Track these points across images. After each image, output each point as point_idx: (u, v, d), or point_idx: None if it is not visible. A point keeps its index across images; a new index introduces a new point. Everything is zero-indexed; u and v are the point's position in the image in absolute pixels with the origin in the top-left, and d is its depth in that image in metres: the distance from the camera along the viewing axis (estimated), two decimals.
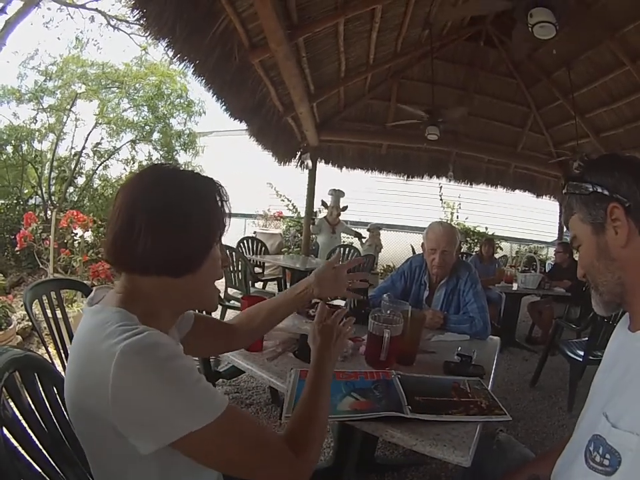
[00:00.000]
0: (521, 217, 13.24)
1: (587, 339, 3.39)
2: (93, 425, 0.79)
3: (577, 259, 5.57)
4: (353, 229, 7.68)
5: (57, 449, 1.01)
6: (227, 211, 0.93)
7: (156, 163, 1.11)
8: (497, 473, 1.29)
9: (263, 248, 6.50)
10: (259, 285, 5.98)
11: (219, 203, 0.91)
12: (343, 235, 7.30)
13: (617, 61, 5.53)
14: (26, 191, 8.00)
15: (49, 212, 6.73)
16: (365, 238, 7.83)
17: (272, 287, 6.39)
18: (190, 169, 0.99)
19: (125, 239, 0.83)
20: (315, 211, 7.54)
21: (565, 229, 8.65)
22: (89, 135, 8.62)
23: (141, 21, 3.16)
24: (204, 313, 1.30)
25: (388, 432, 1.16)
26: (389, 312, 1.65)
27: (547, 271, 6.36)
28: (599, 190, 0.92)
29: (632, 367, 0.86)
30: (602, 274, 0.95)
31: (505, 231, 11.79)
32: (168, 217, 0.83)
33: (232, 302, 4.26)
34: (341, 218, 7.02)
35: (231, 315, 4.68)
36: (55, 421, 1.03)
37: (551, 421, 3.24)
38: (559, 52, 5.30)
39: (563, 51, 5.53)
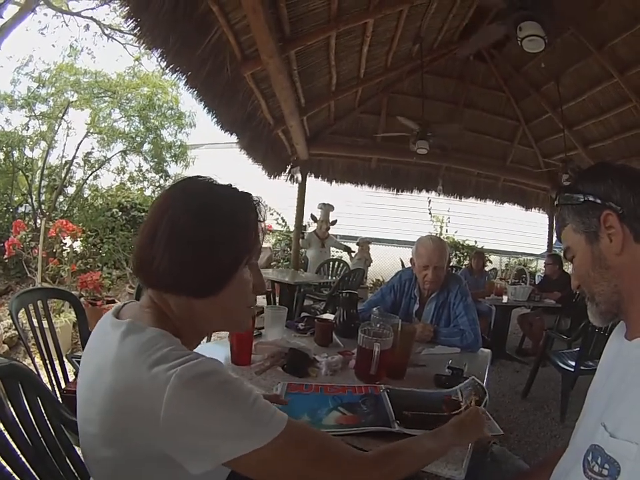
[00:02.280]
0: (510, 230, 13.32)
1: (578, 349, 3.41)
2: (128, 448, 0.76)
3: (567, 270, 5.64)
4: (343, 242, 7.72)
5: (40, 462, 0.98)
6: (261, 232, 0.89)
7: (192, 175, 1.08)
8: None
9: None
10: None
11: (252, 223, 0.87)
12: (332, 248, 7.32)
13: (605, 73, 5.62)
14: (16, 199, 7.95)
15: (38, 220, 6.67)
16: (354, 252, 7.86)
17: (261, 300, 6.35)
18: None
19: (145, 253, 0.82)
20: (304, 224, 7.53)
21: (554, 241, 8.75)
22: (80, 144, 8.61)
23: (135, 31, 3.15)
24: None
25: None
26: (378, 325, 1.64)
27: (536, 283, 6.40)
28: (591, 199, 0.92)
29: (629, 375, 0.85)
30: (598, 283, 0.94)
31: (494, 244, 11.83)
32: (189, 234, 0.80)
33: None
34: (330, 232, 7.04)
35: None
36: (38, 432, 1.01)
37: (543, 431, 3.24)
38: (547, 65, 5.39)
39: (551, 65, 5.62)
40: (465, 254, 10.72)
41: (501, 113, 7.48)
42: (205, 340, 3.49)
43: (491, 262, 8.70)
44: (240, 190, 0.90)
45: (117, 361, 0.76)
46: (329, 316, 2.34)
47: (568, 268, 5.78)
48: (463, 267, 8.09)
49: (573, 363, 3.38)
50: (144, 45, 3.35)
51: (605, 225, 0.90)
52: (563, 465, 1.01)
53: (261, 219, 0.89)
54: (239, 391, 0.75)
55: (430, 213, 10.83)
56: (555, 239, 8.99)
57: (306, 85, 5.36)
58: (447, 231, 10.83)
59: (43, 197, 7.92)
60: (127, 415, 0.73)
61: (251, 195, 0.90)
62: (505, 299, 5.22)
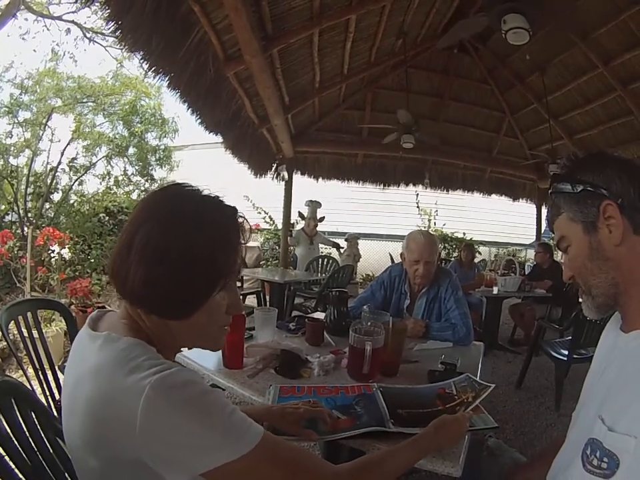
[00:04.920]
0: (499, 221, 13.42)
1: (570, 338, 3.43)
2: (110, 457, 0.74)
3: (557, 259, 5.67)
4: (331, 239, 7.72)
5: (37, 476, 0.96)
6: (242, 256, 0.85)
7: (178, 182, 1.03)
8: (488, 479, 1.29)
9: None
10: None
11: (233, 246, 0.83)
12: (321, 245, 7.32)
13: (590, 64, 5.69)
14: (2, 207, 7.84)
15: (25, 229, 6.60)
16: (343, 248, 7.88)
17: (251, 300, 6.34)
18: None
19: (119, 264, 0.80)
20: (292, 222, 7.53)
21: (542, 231, 8.81)
22: (64, 150, 8.49)
23: (116, 33, 3.11)
24: None
25: (375, 446, 1.13)
26: (369, 323, 1.63)
27: (526, 272, 6.44)
28: (590, 188, 0.90)
29: (626, 367, 0.85)
30: (595, 275, 0.92)
31: (482, 235, 11.89)
32: (164, 253, 0.77)
33: None
34: (318, 229, 7.04)
35: None
36: (34, 446, 0.99)
37: (538, 420, 3.27)
38: (532, 57, 5.41)
39: (536, 56, 5.65)
40: (454, 246, 10.80)
41: (486, 105, 7.52)
42: None
43: (480, 253, 8.76)
44: (225, 205, 0.86)
45: (95, 371, 0.75)
46: (319, 315, 2.33)
47: (558, 256, 5.83)
48: (452, 259, 8.12)
49: (566, 352, 3.41)
50: (126, 47, 3.31)
51: (605, 215, 0.88)
52: (562, 459, 1.00)
53: (243, 241, 0.85)
54: (214, 403, 0.74)
55: (418, 207, 10.87)
56: (543, 228, 9.07)
57: (290, 83, 5.35)
58: (435, 224, 10.89)
59: (29, 205, 7.82)
60: (105, 425, 0.72)
61: (236, 210, 0.86)
62: (495, 290, 5.24)
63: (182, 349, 0.98)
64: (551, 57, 6.02)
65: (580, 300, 1.00)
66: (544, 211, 8.86)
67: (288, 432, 1.14)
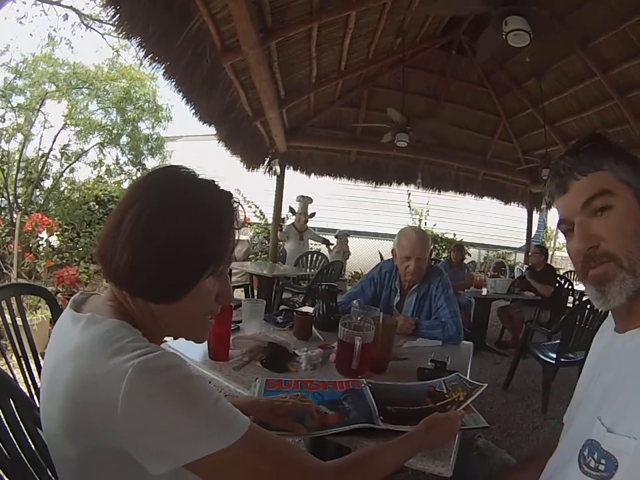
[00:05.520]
0: (489, 224, 13.47)
1: (559, 341, 3.44)
2: (89, 445, 0.71)
3: (551, 264, 5.68)
4: (321, 235, 7.70)
5: (15, 467, 0.93)
6: (234, 241, 0.83)
7: (174, 165, 1.00)
8: (478, 479, 1.27)
9: None
10: None
11: (226, 231, 0.81)
12: (310, 241, 7.30)
13: (588, 71, 5.70)
14: None
15: (14, 215, 6.50)
16: (332, 245, 7.87)
17: (239, 293, 6.32)
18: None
19: (107, 246, 0.78)
20: (282, 217, 7.51)
21: (533, 235, 8.86)
22: (56, 136, 8.42)
23: (114, 19, 3.06)
24: None
25: (363, 443, 1.11)
26: (359, 318, 1.61)
27: (515, 276, 6.48)
28: None
29: (624, 368, 0.82)
30: None
31: (473, 237, 11.96)
32: (151, 235, 0.75)
33: None
34: (308, 224, 7.02)
35: None
36: (12, 438, 0.95)
37: (525, 423, 3.28)
38: (530, 62, 5.42)
39: (534, 61, 5.64)
40: (444, 247, 10.88)
41: (481, 108, 7.53)
42: None
43: (469, 255, 8.79)
44: (220, 189, 0.83)
45: (76, 352, 0.72)
46: (308, 309, 2.30)
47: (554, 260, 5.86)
48: (442, 259, 8.15)
49: (554, 355, 3.42)
50: (122, 33, 3.26)
51: None
52: (557, 460, 0.98)
53: (237, 227, 0.83)
54: (199, 390, 0.72)
55: (409, 206, 10.90)
56: (534, 233, 9.12)
57: (286, 77, 5.32)
58: (425, 224, 10.93)
59: (19, 191, 7.73)
60: (85, 409, 0.69)
61: (231, 196, 0.84)
62: (484, 291, 5.28)
63: (166, 339, 0.96)
64: (549, 63, 6.03)
65: (596, 287, 0.86)
66: (535, 215, 8.90)
67: (276, 425, 1.12)
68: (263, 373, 1.49)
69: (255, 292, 5.76)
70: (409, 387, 1.46)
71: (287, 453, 0.79)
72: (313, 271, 6.15)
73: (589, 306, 3.31)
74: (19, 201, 7.41)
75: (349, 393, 1.35)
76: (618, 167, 0.85)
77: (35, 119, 8.33)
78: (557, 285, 5.59)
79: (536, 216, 9.09)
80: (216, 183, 0.84)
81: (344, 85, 6.56)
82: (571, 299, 5.88)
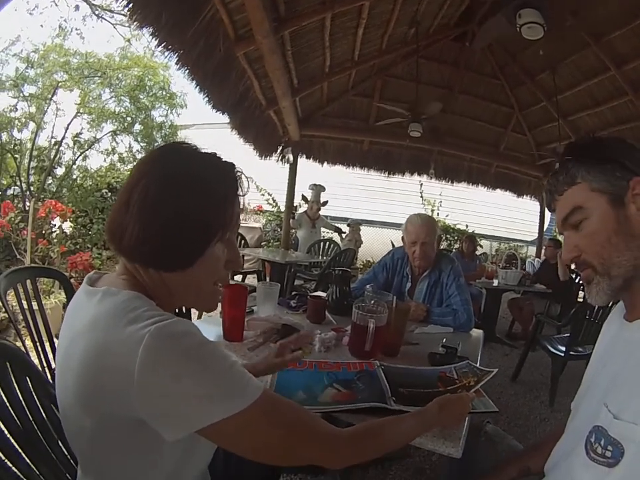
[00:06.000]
0: (501, 216, 13.35)
1: (568, 335, 3.43)
2: (104, 413, 0.73)
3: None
4: (333, 224, 7.69)
5: (30, 443, 0.95)
6: (240, 206, 0.86)
7: (175, 142, 1.06)
8: (485, 464, 1.28)
9: (243, 241, 6.45)
10: (238, 277, 5.93)
11: (230, 197, 0.83)
12: (322, 229, 7.30)
13: (602, 66, 5.62)
14: (4, 181, 7.82)
15: (27, 202, 6.58)
16: (344, 233, 7.83)
17: (251, 279, 6.37)
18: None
19: (118, 221, 0.80)
20: (295, 205, 7.54)
21: (545, 228, 8.78)
22: (69, 124, 8.45)
23: (126, 9, 3.06)
24: None
25: None
26: (373, 302, 1.63)
27: (527, 269, 6.45)
28: (621, 160, 0.87)
29: (632, 357, 0.83)
30: (620, 252, 0.86)
31: (484, 229, 11.88)
32: (159, 205, 0.77)
33: None
34: (321, 213, 7.02)
35: None
36: (28, 413, 0.98)
37: (532, 414, 3.28)
38: (544, 55, 5.36)
39: (548, 54, 5.59)
40: (456, 238, 10.79)
41: (495, 100, 7.44)
42: (195, 317, 3.49)
43: (481, 247, 8.75)
44: (222, 160, 0.86)
45: (92, 323, 0.74)
46: (321, 294, 2.33)
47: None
48: (454, 250, 8.12)
49: (563, 348, 3.41)
50: (135, 23, 3.26)
51: (634, 192, 0.85)
52: (563, 447, 1.00)
53: (241, 193, 0.86)
54: (214, 355, 0.73)
55: (421, 197, 10.86)
56: (546, 226, 9.03)
57: (299, 66, 5.29)
58: (438, 215, 10.83)
59: (31, 179, 7.81)
60: (101, 376, 0.71)
61: (233, 165, 0.86)
62: (495, 282, 5.26)
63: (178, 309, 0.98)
64: (563, 57, 5.95)
65: (584, 288, 0.94)
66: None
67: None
68: None
69: (267, 278, 5.78)
70: (420, 370, 1.48)
71: (301, 418, 0.80)
72: (324, 258, 6.16)
73: None
74: (32, 188, 7.49)
75: (362, 373, 1.38)
76: (590, 175, 0.89)
77: (47, 108, 8.38)
78: (569, 278, 5.57)
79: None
80: (218, 155, 0.86)
81: (357, 75, 6.52)
82: (581, 293, 5.85)
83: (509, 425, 3.04)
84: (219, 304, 1.56)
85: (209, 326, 1.73)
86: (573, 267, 0.95)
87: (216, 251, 0.83)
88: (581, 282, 5.62)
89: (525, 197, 8.86)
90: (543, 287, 5.21)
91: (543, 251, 8.22)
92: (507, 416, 3.18)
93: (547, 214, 9.07)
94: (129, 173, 9.09)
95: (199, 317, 3.52)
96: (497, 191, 8.82)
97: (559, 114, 6.53)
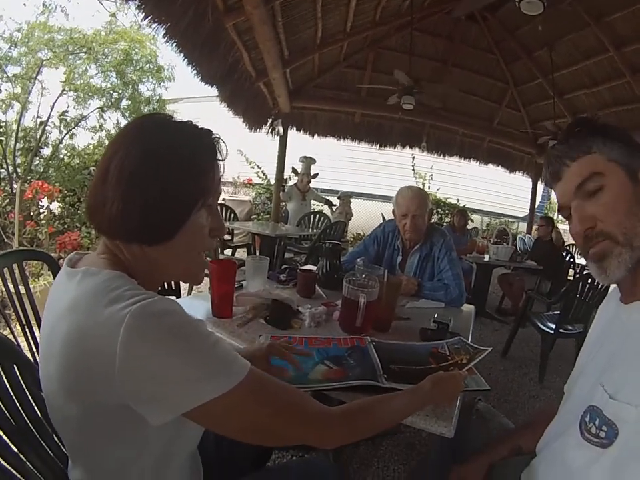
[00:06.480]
0: (493, 191, 13.37)
1: (558, 312, 3.46)
2: (89, 401, 0.71)
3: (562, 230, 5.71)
4: (324, 196, 7.65)
5: (21, 434, 0.92)
6: (220, 173, 0.83)
7: (149, 113, 1.05)
8: (477, 442, 1.28)
9: (232, 215, 6.41)
10: (228, 251, 5.92)
11: (209, 163, 0.81)
12: (313, 202, 7.27)
13: (601, 47, 5.55)
14: None
15: (14, 185, 6.46)
16: (335, 205, 7.81)
17: (241, 253, 6.35)
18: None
19: (96, 196, 0.77)
20: (285, 178, 7.48)
21: (536, 205, 8.79)
22: (54, 103, 8.24)
23: None
24: None
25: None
26: (364, 276, 1.61)
27: (517, 244, 6.48)
28: (631, 141, 0.87)
29: (629, 338, 0.83)
30: None
31: (476, 203, 11.91)
32: (137, 176, 0.75)
33: None
34: (311, 185, 6.98)
35: None
36: (17, 405, 0.94)
37: (522, 390, 3.32)
38: (542, 32, 5.27)
39: (546, 31, 5.48)
40: (447, 211, 10.85)
41: (490, 75, 7.36)
42: (185, 293, 3.47)
43: (472, 221, 8.78)
44: (198, 127, 0.84)
45: (72, 307, 0.71)
46: (311, 267, 2.30)
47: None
48: (445, 224, 8.14)
49: (553, 326, 3.43)
50: None
51: None
52: (556, 427, 1.00)
53: (220, 158, 0.83)
54: (197, 334, 0.71)
55: (413, 170, 10.84)
56: (537, 203, 9.04)
57: (290, 37, 5.19)
58: (429, 188, 10.84)
59: (18, 160, 7.66)
60: (83, 362, 0.68)
61: (210, 131, 0.84)
62: (486, 257, 5.28)
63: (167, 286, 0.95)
64: (561, 35, 5.85)
65: (595, 264, 0.89)
66: (540, 185, 8.81)
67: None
68: (267, 329, 1.49)
69: (257, 252, 5.78)
70: (412, 346, 1.46)
71: (290, 397, 0.78)
72: (315, 231, 6.13)
73: (589, 280, 3.32)
74: (19, 170, 7.36)
75: (353, 349, 1.36)
76: (606, 147, 0.86)
77: (32, 88, 8.19)
78: (560, 256, 5.61)
79: (540, 186, 8.99)
80: (194, 123, 0.84)
81: (349, 47, 6.41)
82: (571, 272, 5.91)
83: (498, 401, 3.07)
84: (208, 279, 1.54)
85: (198, 302, 1.71)
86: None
87: (199, 219, 0.81)
88: (571, 260, 5.73)
89: (517, 172, 8.86)
90: (533, 263, 5.23)
91: (534, 228, 8.28)
92: (496, 392, 3.21)
93: (539, 191, 9.07)
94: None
95: (189, 293, 3.51)
96: (489, 165, 8.82)
97: (554, 92, 6.47)
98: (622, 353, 0.83)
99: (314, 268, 2.20)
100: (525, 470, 1.06)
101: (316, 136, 7.73)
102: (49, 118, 8.17)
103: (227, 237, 6.12)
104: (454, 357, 1.36)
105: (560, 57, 6.19)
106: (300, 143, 7.75)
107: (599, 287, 3.26)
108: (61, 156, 8.34)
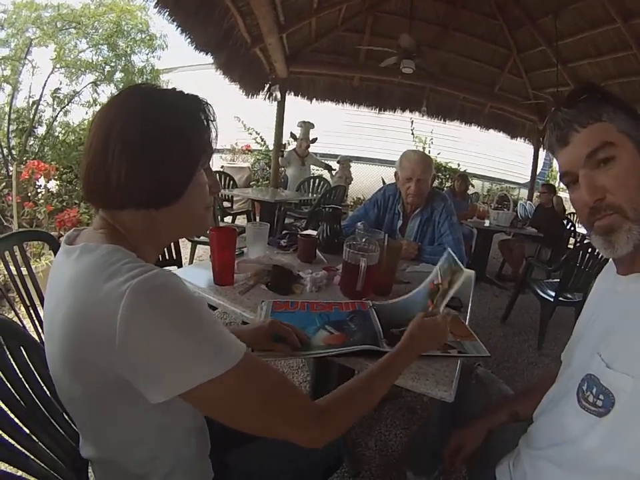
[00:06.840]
0: (494, 157, 13.26)
1: (558, 280, 3.46)
2: (92, 379, 0.71)
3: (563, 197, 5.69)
4: (323, 161, 7.58)
5: (31, 415, 0.92)
6: (214, 133, 0.84)
7: (132, 85, 1.05)
8: (476, 407, 1.30)
9: (231, 182, 6.38)
10: (228, 219, 5.91)
11: (204, 124, 0.83)
12: (312, 167, 7.22)
13: (608, 17, 5.38)
14: None
15: (10, 167, 6.40)
16: (334, 170, 7.77)
17: (241, 220, 6.35)
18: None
19: (98, 170, 0.76)
20: (283, 143, 7.42)
21: (538, 172, 8.71)
22: (46, 81, 8.10)
23: None
24: None
25: (367, 365, 1.11)
26: (364, 240, 1.60)
27: (518, 211, 6.46)
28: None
29: (627, 309, 0.83)
30: None
31: (476, 168, 11.84)
32: (144, 141, 0.75)
33: (201, 237, 4.14)
34: (310, 150, 6.93)
35: (200, 251, 4.56)
36: (25, 384, 0.94)
37: (520, 357, 3.35)
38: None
39: None
40: (447, 176, 10.80)
41: (492, 40, 7.15)
42: (187, 262, 3.47)
43: (473, 186, 8.76)
44: (187, 93, 0.85)
45: (72, 283, 0.71)
46: (311, 232, 2.29)
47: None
48: (445, 188, 8.09)
49: (553, 293, 3.45)
50: None
51: None
52: (553, 395, 1.01)
53: (212, 119, 0.85)
54: (197, 310, 0.70)
55: (412, 134, 10.73)
56: (539, 170, 8.96)
57: (286, 1, 5.08)
58: (429, 152, 10.75)
59: (12, 142, 7.57)
60: (83, 340, 0.68)
61: (197, 96, 0.86)
62: (487, 222, 5.26)
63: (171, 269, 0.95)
64: (567, 2, 5.67)
65: (601, 236, 0.86)
66: (541, 152, 8.72)
67: (259, 347, 1.14)
68: (268, 295, 1.49)
69: (257, 218, 5.80)
70: (414, 296, 1.46)
71: (283, 387, 0.79)
72: (315, 196, 6.10)
73: (589, 249, 3.31)
74: (14, 152, 7.29)
75: (354, 314, 1.36)
76: (617, 116, 0.84)
77: (23, 68, 8.04)
78: (561, 224, 5.59)
79: (542, 153, 8.89)
80: (179, 89, 0.86)
81: (347, 10, 6.27)
82: (572, 240, 5.90)
83: (497, 367, 3.11)
84: (208, 248, 1.53)
85: (199, 270, 1.70)
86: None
87: (200, 178, 0.84)
88: (572, 229, 5.71)
89: (518, 139, 8.77)
90: (534, 230, 5.22)
91: (535, 195, 8.22)
92: (495, 357, 3.24)
93: (541, 158, 8.98)
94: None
95: (190, 262, 3.50)
96: (490, 131, 8.73)
97: (558, 59, 6.32)
98: (618, 322, 0.84)
99: (314, 233, 2.19)
100: (523, 436, 1.07)
101: (314, 100, 7.65)
102: (41, 97, 8.04)
103: (226, 204, 6.11)
104: (443, 284, 1.29)
105: (565, 24, 6.00)
106: (298, 107, 7.66)
107: (599, 257, 3.25)
108: (56, 134, 8.24)
